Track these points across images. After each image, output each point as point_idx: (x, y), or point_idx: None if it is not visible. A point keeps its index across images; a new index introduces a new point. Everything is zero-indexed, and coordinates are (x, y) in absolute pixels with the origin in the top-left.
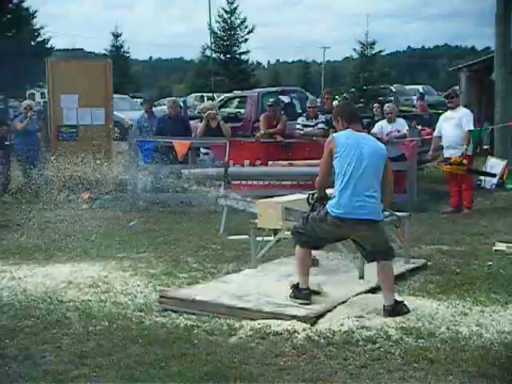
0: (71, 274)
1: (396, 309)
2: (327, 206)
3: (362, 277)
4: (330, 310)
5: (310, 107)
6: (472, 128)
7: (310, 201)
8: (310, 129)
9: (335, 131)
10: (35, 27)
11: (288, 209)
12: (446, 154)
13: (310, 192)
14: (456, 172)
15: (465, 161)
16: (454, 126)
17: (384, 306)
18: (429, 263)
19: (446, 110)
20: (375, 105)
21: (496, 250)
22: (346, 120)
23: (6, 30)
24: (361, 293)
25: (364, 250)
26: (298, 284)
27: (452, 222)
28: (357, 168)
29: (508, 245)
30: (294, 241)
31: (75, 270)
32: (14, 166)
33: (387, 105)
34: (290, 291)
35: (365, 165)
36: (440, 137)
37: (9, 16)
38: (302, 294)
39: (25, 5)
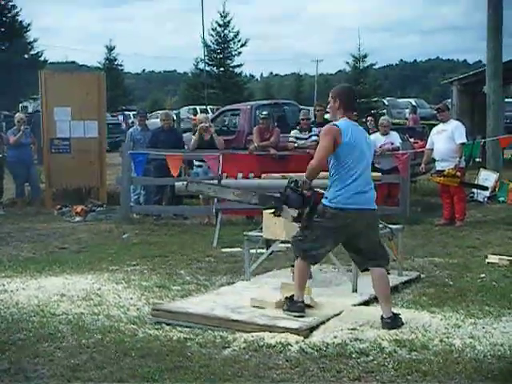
0: (64, 286)
1: (395, 322)
2: (324, 200)
3: (355, 289)
4: (323, 323)
5: (303, 119)
6: (465, 140)
7: (290, 189)
8: (303, 142)
9: None
10: (29, 40)
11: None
12: (438, 166)
13: (291, 179)
14: (449, 184)
15: (458, 173)
16: (445, 138)
17: (382, 317)
18: (422, 275)
19: (438, 123)
20: (368, 118)
21: (488, 263)
22: (344, 104)
23: (0, 43)
24: (354, 305)
25: (359, 252)
26: (292, 296)
27: (445, 234)
28: (361, 160)
29: (500, 257)
30: (294, 253)
31: (68, 283)
32: (7, 179)
33: (383, 117)
34: (285, 305)
35: (367, 157)
36: (432, 149)
37: (2, 29)
38: (296, 306)
39: (19, 18)
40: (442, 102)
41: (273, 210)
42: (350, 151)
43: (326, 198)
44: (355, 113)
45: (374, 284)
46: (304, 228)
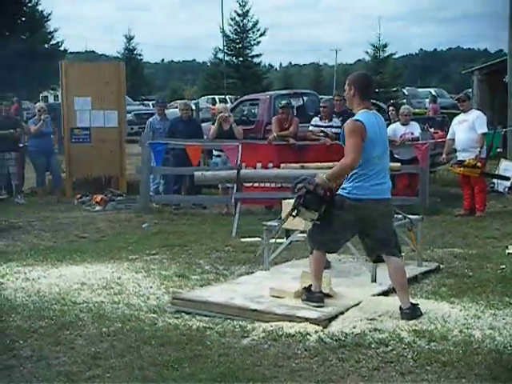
0: (84, 275)
1: (414, 312)
2: (341, 191)
3: (374, 280)
4: (342, 313)
5: (323, 107)
6: (486, 130)
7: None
8: (323, 129)
9: None
10: (49, 30)
11: None
12: (460, 156)
13: (301, 178)
14: (469, 174)
15: (479, 164)
16: (466, 128)
17: (401, 308)
18: (441, 266)
19: (459, 113)
20: (390, 108)
21: (509, 253)
22: (360, 93)
23: (21, 32)
24: (373, 295)
25: (373, 241)
26: (310, 287)
27: (464, 224)
28: (382, 153)
29: None
30: (309, 245)
31: (88, 272)
32: (28, 168)
33: (404, 107)
34: (303, 295)
35: (386, 149)
36: (453, 140)
37: (23, 19)
38: (315, 296)
39: (39, 8)
40: (462, 91)
41: (291, 212)
42: (373, 145)
43: (344, 188)
44: (372, 101)
45: (391, 274)
46: (322, 221)
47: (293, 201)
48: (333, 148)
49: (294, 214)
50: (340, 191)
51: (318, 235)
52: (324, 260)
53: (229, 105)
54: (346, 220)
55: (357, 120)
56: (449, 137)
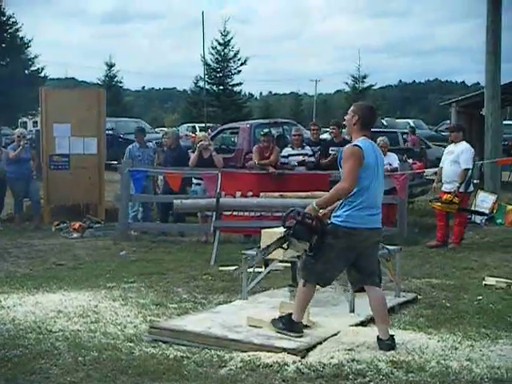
0: (61, 303)
1: (393, 343)
2: (335, 219)
3: (352, 310)
4: (320, 343)
5: (295, 135)
6: (469, 166)
7: (302, 218)
8: (295, 158)
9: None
10: (29, 56)
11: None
12: (443, 187)
13: (292, 210)
14: (447, 210)
15: (456, 199)
16: (451, 161)
17: (381, 339)
18: (419, 297)
19: (449, 143)
20: None
21: (486, 285)
22: (361, 122)
23: (1, 58)
24: (351, 326)
25: (359, 270)
26: (287, 316)
27: (442, 255)
28: (377, 182)
29: (498, 279)
30: (302, 278)
31: (65, 299)
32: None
33: (380, 138)
34: (281, 324)
35: (381, 177)
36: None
37: (3, 45)
38: (297, 327)
39: (20, 34)
40: (440, 123)
41: (282, 245)
42: (368, 172)
43: (338, 216)
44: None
45: (373, 304)
46: (315, 252)
47: (276, 230)
48: (312, 177)
49: (285, 246)
50: (333, 219)
51: (312, 267)
52: (313, 293)
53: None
54: (339, 248)
55: (355, 145)
56: (440, 165)
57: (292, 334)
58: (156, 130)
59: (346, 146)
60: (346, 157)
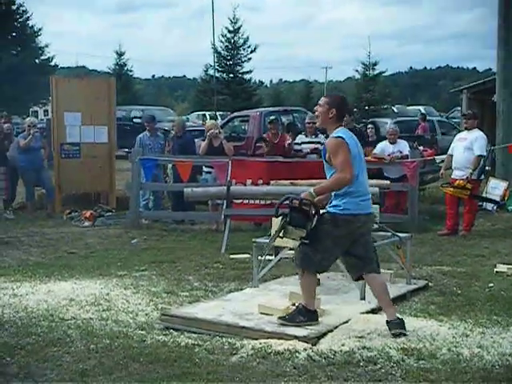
0: (73, 291)
1: (402, 324)
2: (333, 209)
3: (363, 297)
4: (331, 330)
5: (308, 123)
6: (483, 153)
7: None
8: (306, 146)
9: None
10: (40, 45)
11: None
12: (453, 174)
13: (287, 198)
14: (459, 195)
15: (469, 185)
16: (464, 147)
17: (389, 321)
18: (430, 284)
19: (461, 130)
20: (369, 125)
21: (497, 272)
22: (338, 114)
23: (11, 47)
24: (362, 313)
25: (357, 258)
26: (304, 307)
27: (453, 243)
28: (363, 168)
29: (509, 266)
30: (300, 267)
31: (77, 288)
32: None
33: (390, 126)
34: (301, 317)
35: (364, 164)
36: (452, 155)
37: (14, 34)
38: (314, 316)
39: (30, 23)
40: (451, 109)
41: (278, 233)
42: (355, 162)
43: (336, 206)
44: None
45: (376, 291)
46: (312, 240)
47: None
48: (323, 165)
49: (281, 234)
50: (331, 209)
51: (310, 256)
52: (316, 279)
53: (219, 121)
54: (337, 237)
55: (339, 137)
56: (449, 152)
57: (308, 323)
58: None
59: (330, 139)
60: (334, 150)
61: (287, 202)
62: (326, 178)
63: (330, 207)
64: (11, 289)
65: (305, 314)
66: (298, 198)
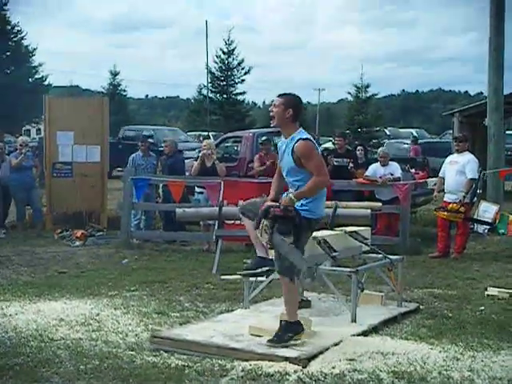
0: (63, 311)
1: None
2: (305, 213)
3: (354, 319)
4: (321, 352)
5: None
6: (475, 176)
7: (287, 213)
8: None
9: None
10: (34, 65)
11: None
12: (446, 197)
13: (266, 210)
14: (452, 219)
15: (462, 208)
16: (456, 171)
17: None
18: (421, 307)
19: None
20: (359, 147)
21: (488, 295)
22: (296, 115)
23: (6, 66)
24: (353, 335)
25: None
26: (287, 323)
27: (444, 265)
28: None
29: (500, 290)
30: (288, 275)
31: (67, 308)
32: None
33: (380, 149)
34: (287, 336)
35: None
36: (443, 178)
37: (8, 53)
38: (298, 327)
39: (25, 42)
40: (443, 132)
41: (271, 246)
42: None
43: (307, 210)
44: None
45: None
46: (296, 244)
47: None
48: None
49: (269, 246)
50: (304, 213)
51: (293, 264)
52: (296, 288)
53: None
54: (307, 239)
55: (308, 139)
56: (440, 174)
57: (298, 336)
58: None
59: (300, 142)
60: (307, 153)
61: (270, 212)
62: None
63: (302, 210)
64: (0, 308)
65: (290, 329)
66: (280, 206)
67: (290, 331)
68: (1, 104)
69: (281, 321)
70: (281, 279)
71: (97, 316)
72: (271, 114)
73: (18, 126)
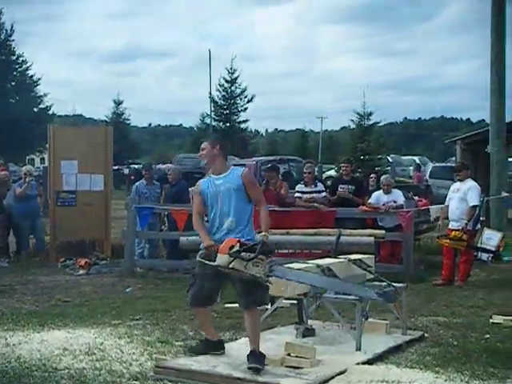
0: (66, 340)
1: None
2: (253, 239)
3: (359, 348)
4: (326, 381)
5: (306, 173)
6: (476, 203)
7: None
8: (306, 196)
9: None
10: (38, 94)
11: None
12: (450, 225)
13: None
14: (455, 247)
15: (465, 236)
16: (458, 199)
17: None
18: (426, 335)
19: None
20: (372, 175)
21: (493, 323)
22: (223, 149)
23: (11, 96)
24: (358, 364)
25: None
26: (258, 354)
27: (448, 293)
28: None
29: (505, 318)
30: (262, 303)
31: (71, 337)
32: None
33: (384, 176)
34: (256, 365)
35: None
36: (448, 206)
37: (13, 83)
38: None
39: (29, 72)
40: (446, 159)
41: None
42: None
43: (251, 238)
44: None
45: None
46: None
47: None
48: (318, 214)
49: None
50: (252, 240)
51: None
52: None
53: None
54: None
55: (246, 167)
56: (446, 203)
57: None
58: None
59: (245, 172)
60: (253, 181)
61: (243, 255)
62: (321, 227)
63: (248, 240)
64: (4, 338)
65: (261, 361)
66: (257, 242)
67: (262, 361)
68: (5, 133)
69: (253, 356)
70: (249, 312)
71: (101, 345)
72: (201, 156)
73: (22, 155)
